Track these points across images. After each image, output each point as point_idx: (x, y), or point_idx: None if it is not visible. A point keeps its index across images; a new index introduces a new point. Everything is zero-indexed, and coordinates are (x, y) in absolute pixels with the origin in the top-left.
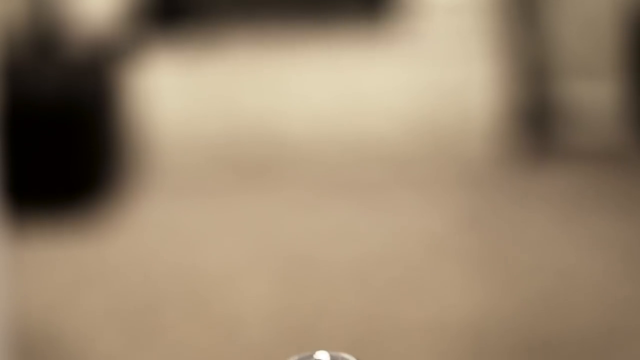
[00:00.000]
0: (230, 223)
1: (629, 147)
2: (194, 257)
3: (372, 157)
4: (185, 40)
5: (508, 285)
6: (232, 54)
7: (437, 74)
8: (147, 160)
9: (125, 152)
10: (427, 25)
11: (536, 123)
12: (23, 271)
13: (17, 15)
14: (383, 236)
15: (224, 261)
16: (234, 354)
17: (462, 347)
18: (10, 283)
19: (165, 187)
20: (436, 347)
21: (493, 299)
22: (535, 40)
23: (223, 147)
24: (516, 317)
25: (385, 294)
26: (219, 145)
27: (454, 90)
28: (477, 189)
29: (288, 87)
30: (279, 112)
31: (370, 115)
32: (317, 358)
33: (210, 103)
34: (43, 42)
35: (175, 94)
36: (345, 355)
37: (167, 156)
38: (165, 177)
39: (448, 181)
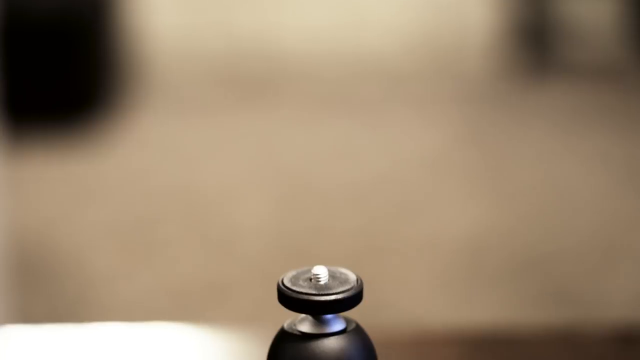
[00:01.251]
0: (228, 139)
1: (628, 63)
2: (192, 174)
3: (370, 73)
4: None
5: (506, 201)
6: None
7: None
8: (145, 76)
9: (123, 67)
10: None
11: (535, 39)
12: (21, 187)
13: None
14: (381, 153)
15: (221, 177)
16: (231, 269)
17: (459, 263)
18: (8, 199)
19: (163, 103)
20: (434, 263)
21: (491, 215)
22: None
23: (221, 63)
24: (514, 234)
25: (383, 211)
26: (217, 60)
27: (452, 6)
28: (475, 106)
29: (286, 2)
30: (277, 28)
31: (369, 31)
32: (315, 272)
33: (208, 18)
34: None
35: (173, 9)
36: (343, 270)
37: (166, 72)
38: (163, 93)
39: (446, 98)
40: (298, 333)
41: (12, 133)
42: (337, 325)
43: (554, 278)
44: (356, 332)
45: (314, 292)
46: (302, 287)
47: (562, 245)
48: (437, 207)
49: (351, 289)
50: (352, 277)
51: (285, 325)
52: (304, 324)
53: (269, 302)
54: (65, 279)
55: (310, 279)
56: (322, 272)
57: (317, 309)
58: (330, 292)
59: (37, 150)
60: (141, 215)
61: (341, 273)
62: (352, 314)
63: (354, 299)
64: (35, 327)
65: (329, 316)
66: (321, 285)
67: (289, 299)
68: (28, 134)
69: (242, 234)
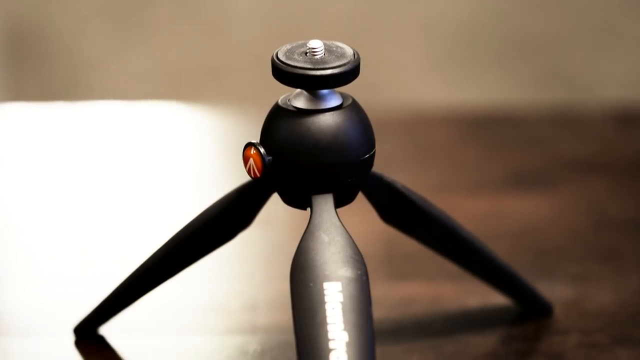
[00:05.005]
0: None
1: None
2: None
3: None
4: None
5: None
6: None
7: None
8: None
9: None
10: None
11: None
12: None
13: None
14: None
15: None
16: (224, 51)
17: (455, 45)
18: None
19: None
20: (429, 46)
21: None
22: None
23: None
24: (510, 15)
25: None
26: None
27: None
28: None
29: None
30: None
31: None
32: (311, 46)
33: None
34: None
35: None
36: (340, 44)
37: None
38: None
39: None
40: (293, 109)
41: None
42: (333, 100)
43: (551, 59)
44: (353, 108)
45: (309, 66)
46: (298, 61)
47: (558, 27)
48: None
49: (348, 63)
50: (349, 51)
51: (280, 101)
52: (299, 100)
53: (263, 84)
54: (56, 60)
55: (306, 53)
56: (318, 46)
57: (313, 83)
58: (327, 66)
59: None
60: None
61: (337, 47)
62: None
63: (351, 73)
64: (29, 105)
65: (324, 91)
66: (317, 59)
67: (283, 73)
68: None
69: (235, 15)
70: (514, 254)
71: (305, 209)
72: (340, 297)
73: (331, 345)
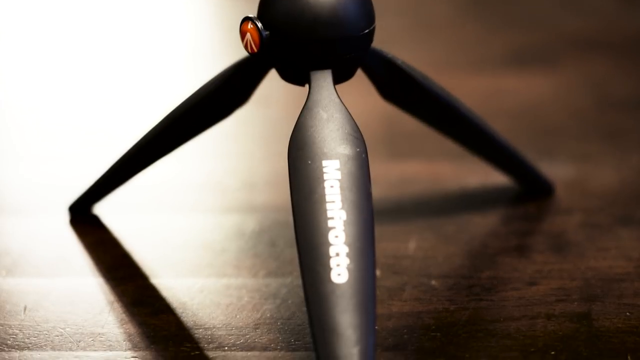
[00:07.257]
0: None
1: None
2: None
3: None
4: None
5: None
6: None
7: None
8: None
9: None
10: None
11: None
12: None
13: None
14: None
15: None
16: None
17: None
18: None
19: None
20: None
21: None
22: None
23: None
24: None
25: None
26: None
27: None
28: None
29: None
30: None
31: None
32: None
33: None
34: None
35: None
36: None
37: None
38: None
39: None
40: None
41: None
42: None
43: None
44: None
45: None
46: None
47: None
48: None
49: None
50: None
51: None
52: None
53: None
54: None
55: None
56: None
57: None
58: None
59: None
60: None
61: None
62: None
63: None
64: None
65: None
66: None
67: None
68: None
69: None
70: (515, 133)
71: (303, 86)
72: (339, 175)
73: (330, 223)
